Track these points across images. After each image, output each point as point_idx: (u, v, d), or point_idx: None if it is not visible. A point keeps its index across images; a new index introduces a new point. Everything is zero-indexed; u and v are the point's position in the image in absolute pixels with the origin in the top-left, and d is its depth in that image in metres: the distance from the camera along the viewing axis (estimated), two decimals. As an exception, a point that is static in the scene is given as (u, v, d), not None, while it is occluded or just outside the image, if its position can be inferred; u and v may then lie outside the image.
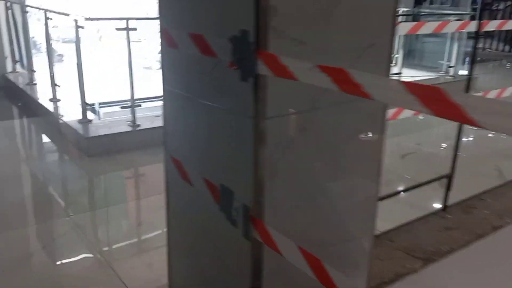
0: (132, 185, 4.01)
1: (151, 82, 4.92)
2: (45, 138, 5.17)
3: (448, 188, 3.41)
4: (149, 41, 6.29)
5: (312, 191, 1.81)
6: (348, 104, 1.74)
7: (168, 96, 1.96)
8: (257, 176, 1.59)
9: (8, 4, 6.46)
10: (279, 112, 1.57)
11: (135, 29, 4.23)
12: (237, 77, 1.53)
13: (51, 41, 5.32)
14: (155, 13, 2.37)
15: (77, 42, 4.33)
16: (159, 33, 1.91)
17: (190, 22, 1.71)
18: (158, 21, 1.89)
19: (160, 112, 4.87)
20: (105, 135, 4.22)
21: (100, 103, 4.77)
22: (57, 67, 5.52)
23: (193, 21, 1.70)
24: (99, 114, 4.69)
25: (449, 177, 3.40)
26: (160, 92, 1.99)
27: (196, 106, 1.79)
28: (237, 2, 1.48)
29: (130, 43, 4.26)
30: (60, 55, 6.84)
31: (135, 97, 4.46)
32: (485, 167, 4.29)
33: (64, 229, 3.11)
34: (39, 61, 6.25)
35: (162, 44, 1.90)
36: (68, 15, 4.63)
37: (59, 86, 5.27)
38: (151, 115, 4.73)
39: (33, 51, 6.39)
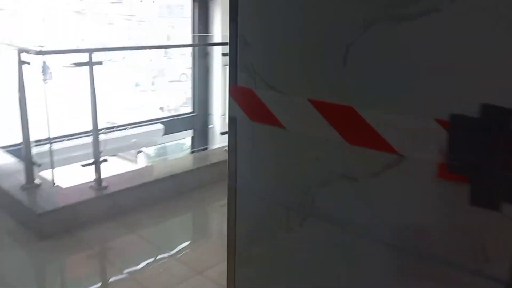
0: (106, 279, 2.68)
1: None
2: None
3: None
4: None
5: None
6: None
7: (249, 203, 1.13)
8: None
9: None
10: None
11: (100, 63, 3.25)
12: (459, 197, 0.76)
13: None
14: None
15: (20, 79, 3.27)
16: (228, 95, 1.10)
17: (318, 80, 0.91)
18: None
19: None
20: (62, 207, 3.11)
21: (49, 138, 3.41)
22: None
23: (327, 79, 0.89)
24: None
25: None
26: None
27: (329, 234, 0.98)
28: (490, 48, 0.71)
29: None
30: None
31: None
32: None
33: None
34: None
35: (234, 117, 1.08)
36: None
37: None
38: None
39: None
